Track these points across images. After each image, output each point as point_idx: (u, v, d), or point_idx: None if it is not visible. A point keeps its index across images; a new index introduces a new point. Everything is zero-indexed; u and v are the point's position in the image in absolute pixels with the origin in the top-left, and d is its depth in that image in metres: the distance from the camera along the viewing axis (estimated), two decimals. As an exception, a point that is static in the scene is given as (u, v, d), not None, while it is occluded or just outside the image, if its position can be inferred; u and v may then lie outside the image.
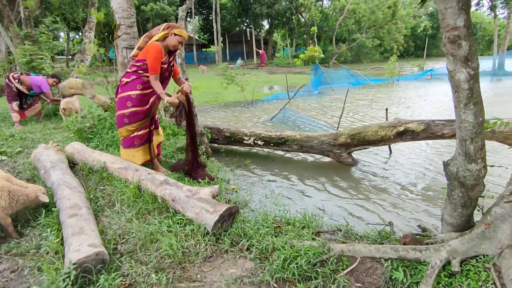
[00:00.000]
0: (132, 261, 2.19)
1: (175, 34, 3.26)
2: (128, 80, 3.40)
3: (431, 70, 18.48)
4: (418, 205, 3.46)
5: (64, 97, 5.48)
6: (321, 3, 35.80)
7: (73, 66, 12.94)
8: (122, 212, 2.88)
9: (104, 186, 3.41)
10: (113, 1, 4.67)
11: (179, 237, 2.44)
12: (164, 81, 3.50)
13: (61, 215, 2.61)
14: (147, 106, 3.49)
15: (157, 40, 3.29)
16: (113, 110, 5.10)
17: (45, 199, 2.66)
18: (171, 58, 3.46)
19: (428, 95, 12.21)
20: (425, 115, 8.41)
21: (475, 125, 1.52)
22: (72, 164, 4.00)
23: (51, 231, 2.46)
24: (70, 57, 30.25)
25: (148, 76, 3.31)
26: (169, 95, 3.33)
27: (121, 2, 4.63)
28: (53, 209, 2.78)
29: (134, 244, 2.41)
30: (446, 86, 14.97)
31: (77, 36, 32.98)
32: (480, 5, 24.44)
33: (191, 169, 3.68)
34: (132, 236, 2.49)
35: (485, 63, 19.63)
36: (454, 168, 1.72)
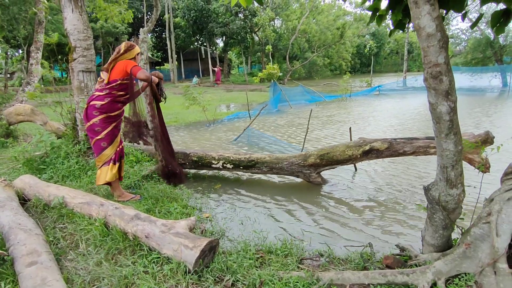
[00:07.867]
0: (108, 313, 1.98)
1: (140, 54, 3.60)
2: (103, 102, 3.36)
3: (378, 86, 19.86)
4: (389, 222, 3.59)
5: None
6: (273, 23, 37.16)
7: (19, 87, 11.89)
8: (88, 254, 2.61)
9: (64, 224, 3.09)
10: (67, 23, 4.38)
11: (157, 279, 2.26)
12: (130, 98, 3.58)
13: (16, 264, 2.30)
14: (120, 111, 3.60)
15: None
16: (69, 137, 4.74)
17: None
18: None
19: (380, 110, 13.02)
20: (383, 130, 8.91)
21: (456, 153, 1.62)
22: (23, 201, 3.60)
23: (5, 285, 2.15)
24: (8, 75, 27.83)
25: (120, 94, 3.40)
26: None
27: (77, 23, 4.36)
28: (5, 257, 2.44)
29: (107, 292, 2.19)
30: (392, 101, 16.16)
31: (16, 54, 30.58)
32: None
33: (173, 172, 3.96)
34: (103, 283, 2.25)
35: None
36: (436, 193, 1.80)
